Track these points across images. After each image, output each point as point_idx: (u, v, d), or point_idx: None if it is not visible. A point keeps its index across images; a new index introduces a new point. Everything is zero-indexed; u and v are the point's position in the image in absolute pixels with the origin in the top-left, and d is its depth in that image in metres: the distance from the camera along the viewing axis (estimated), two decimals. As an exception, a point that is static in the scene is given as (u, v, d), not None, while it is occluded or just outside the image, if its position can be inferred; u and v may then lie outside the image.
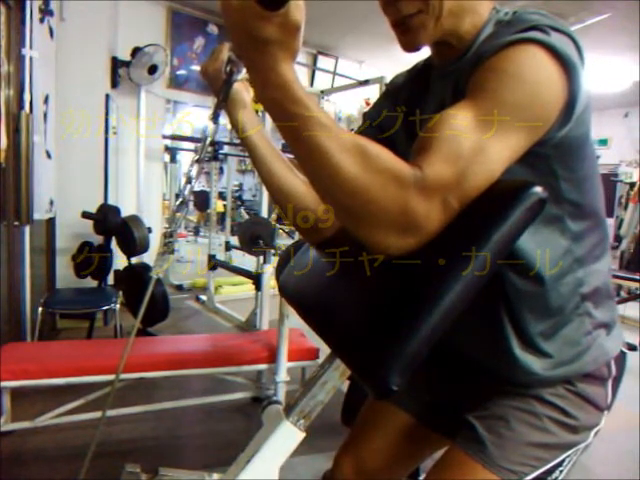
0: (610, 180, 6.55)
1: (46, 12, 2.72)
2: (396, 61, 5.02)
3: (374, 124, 0.87)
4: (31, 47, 2.38)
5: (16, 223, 2.38)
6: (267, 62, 0.51)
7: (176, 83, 4.18)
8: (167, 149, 5.35)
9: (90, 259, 3.05)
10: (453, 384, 0.89)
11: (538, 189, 0.53)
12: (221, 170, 6.67)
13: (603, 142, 7.55)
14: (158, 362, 1.91)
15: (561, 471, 0.76)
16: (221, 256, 4.52)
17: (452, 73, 0.69)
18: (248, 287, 3.68)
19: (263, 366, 2.09)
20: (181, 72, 4.19)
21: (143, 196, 3.87)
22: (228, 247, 4.57)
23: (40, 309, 2.52)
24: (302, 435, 0.77)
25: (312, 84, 5.08)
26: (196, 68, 4.19)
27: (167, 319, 3.00)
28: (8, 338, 2.33)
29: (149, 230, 3.02)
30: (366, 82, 3.83)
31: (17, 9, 2.34)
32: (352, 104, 5.42)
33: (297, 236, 3.47)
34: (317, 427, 0.86)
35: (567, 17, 3.79)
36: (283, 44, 0.50)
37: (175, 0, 4.02)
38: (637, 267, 4.47)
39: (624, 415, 2.38)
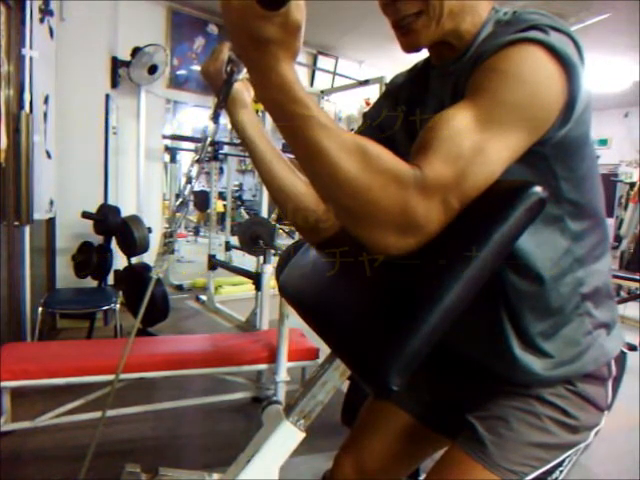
0: (610, 180, 6.56)
1: (46, 12, 2.72)
2: (396, 61, 5.02)
3: (374, 124, 0.87)
4: (31, 47, 2.38)
5: (16, 223, 2.38)
6: (268, 62, 0.51)
7: (176, 83, 4.18)
8: (167, 149, 5.35)
9: (90, 259, 3.05)
10: (453, 384, 0.89)
11: (538, 189, 0.53)
12: (221, 170, 6.67)
13: (603, 142, 7.55)
14: (158, 362, 1.91)
15: (561, 471, 0.76)
16: (221, 256, 4.52)
17: (452, 73, 0.69)
18: (248, 287, 3.68)
19: (263, 366, 2.08)
20: (181, 72, 4.19)
21: (143, 196, 3.87)
22: (228, 247, 4.57)
23: (40, 309, 2.52)
24: (302, 435, 0.77)
25: (312, 84, 5.08)
26: (196, 68, 4.19)
27: (167, 319, 3.00)
28: (8, 338, 2.33)
29: (149, 230, 3.02)
30: (366, 82, 3.83)
31: (17, 9, 2.34)
32: (352, 104, 5.42)
33: (297, 236, 3.47)
34: (317, 427, 0.86)
35: (567, 17, 3.78)
36: (284, 44, 0.50)
37: (175, 0, 4.02)
38: (637, 267, 4.47)
39: (624, 415, 2.38)
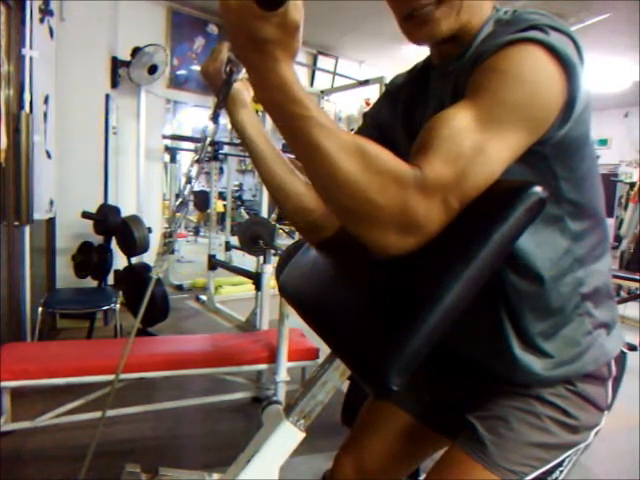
0: (610, 180, 6.56)
1: (46, 12, 2.72)
2: (396, 61, 5.05)
3: (374, 124, 0.87)
4: (31, 47, 2.38)
5: (16, 223, 2.38)
6: (266, 63, 0.51)
7: (176, 83, 4.18)
8: (167, 149, 5.35)
9: (90, 259, 3.05)
10: (453, 384, 0.89)
11: (538, 189, 0.52)
12: (221, 170, 6.67)
13: (603, 142, 7.55)
14: (158, 362, 1.91)
15: (561, 471, 0.76)
16: (221, 256, 4.52)
17: (451, 73, 0.69)
18: (248, 287, 3.68)
19: (263, 366, 2.08)
20: (181, 72, 4.19)
21: (143, 196, 3.87)
22: (228, 247, 4.58)
23: (40, 309, 2.52)
24: (302, 435, 0.77)
25: (312, 84, 5.08)
26: (196, 68, 4.19)
27: (167, 319, 3.00)
28: (8, 338, 2.33)
29: (149, 230, 3.02)
30: (366, 82, 3.83)
31: (17, 9, 2.34)
32: (352, 104, 5.42)
33: (297, 236, 3.47)
34: (317, 427, 0.86)
35: (567, 17, 3.78)
36: (282, 44, 0.50)
37: (175, 0, 4.02)
38: (637, 267, 4.47)
39: (624, 415, 2.38)
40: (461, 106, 0.56)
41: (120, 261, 3.21)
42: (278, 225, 3.51)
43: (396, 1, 0.67)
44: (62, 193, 3.18)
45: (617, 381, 0.78)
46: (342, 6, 3.87)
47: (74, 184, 3.42)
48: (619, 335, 0.79)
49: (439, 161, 0.52)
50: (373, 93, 4.49)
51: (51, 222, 3.16)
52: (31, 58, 2.38)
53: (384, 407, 0.94)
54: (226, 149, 4.77)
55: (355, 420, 0.99)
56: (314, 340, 2.11)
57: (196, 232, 8.73)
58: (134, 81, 3.66)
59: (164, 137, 4.44)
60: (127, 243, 2.92)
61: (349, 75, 4.97)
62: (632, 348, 2.89)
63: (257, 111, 0.72)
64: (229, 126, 0.85)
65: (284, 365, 2.03)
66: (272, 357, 2.04)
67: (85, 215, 3.03)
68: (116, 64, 3.66)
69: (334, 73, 5.16)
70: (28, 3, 2.36)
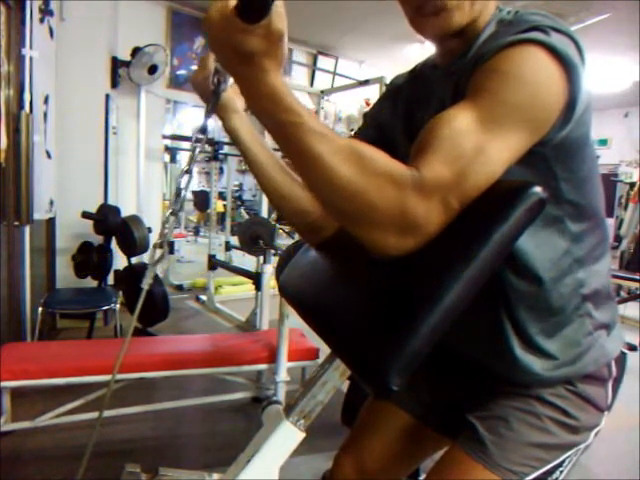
0: (610, 180, 6.56)
1: (46, 12, 2.72)
2: (396, 61, 5.05)
3: (374, 125, 0.87)
4: (31, 47, 2.38)
5: (16, 223, 2.38)
6: (254, 74, 0.51)
7: (176, 83, 4.18)
8: (167, 149, 5.36)
9: (90, 259, 3.05)
10: (453, 384, 0.89)
11: (538, 189, 0.53)
12: (221, 170, 6.68)
13: (603, 142, 7.55)
14: (158, 362, 1.91)
15: (561, 471, 0.76)
16: (221, 256, 4.52)
17: (453, 73, 0.68)
18: (248, 287, 3.68)
19: (263, 366, 2.08)
20: (181, 72, 4.19)
21: (143, 196, 3.87)
22: (228, 247, 4.57)
23: (40, 309, 2.52)
24: (302, 435, 0.77)
25: (312, 84, 5.08)
26: (196, 68, 4.18)
27: (167, 319, 3.00)
28: (8, 338, 2.32)
29: (149, 230, 3.02)
30: (366, 82, 3.83)
31: (17, 9, 2.34)
32: (352, 104, 5.42)
33: (297, 236, 3.47)
34: (317, 427, 0.86)
35: (567, 17, 3.78)
36: (268, 54, 0.50)
37: (175, 0, 4.02)
38: (637, 267, 4.46)
39: (624, 415, 2.38)
40: (462, 107, 0.56)
41: (120, 261, 3.21)
42: (278, 225, 3.51)
43: None
44: (62, 193, 3.18)
45: (617, 382, 0.78)
46: (342, 6, 3.87)
47: (74, 184, 3.42)
48: (619, 336, 0.79)
49: (438, 161, 0.52)
50: (373, 93, 4.49)
51: (51, 222, 3.16)
52: (31, 58, 2.38)
53: (384, 407, 0.94)
54: (226, 149, 4.77)
55: (355, 420, 0.99)
56: (314, 340, 2.11)
57: (196, 232, 8.73)
58: (134, 81, 3.66)
59: (164, 137, 4.44)
60: (127, 243, 2.92)
61: (349, 75, 4.98)
62: (632, 348, 2.89)
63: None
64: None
65: (284, 365, 2.03)
66: (272, 357, 2.04)
67: (85, 215, 3.03)
68: (116, 64, 3.66)
69: (334, 73, 5.16)
70: (28, 3, 2.36)
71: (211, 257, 4.03)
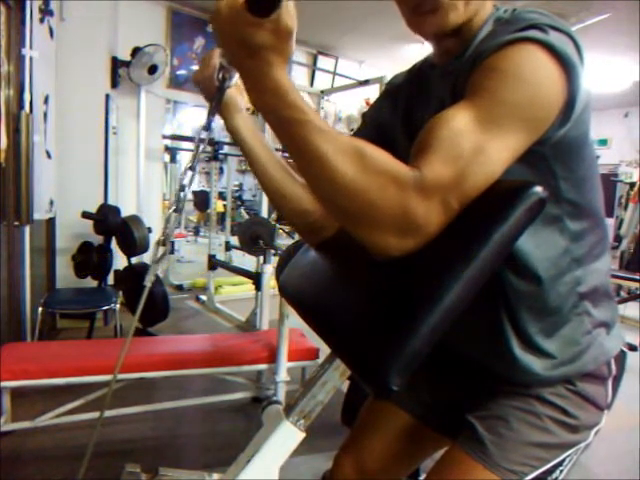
0: (610, 180, 6.56)
1: (46, 12, 2.72)
2: (396, 61, 5.05)
3: (374, 124, 0.86)
4: (31, 47, 2.38)
5: (16, 223, 2.38)
6: (261, 68, 0.51)
7: (176, 83, 4.18)
8: (167, 149, 5.35)
9: (90, 259, 3.05)
10: (453, 384, 0.89)
11: (538, 189, 0.52)
12: (221, 170, 6.68)
13: (603, 142, 7.55)
14: (158, 362, 1.91)
15: (561, 471, 0.76)
16: (221, 256, 4.52)
17: (451, 72, 0.68)
18: (248, 287, 3.68)
19: (263, 366, 2.08)
20: (181, 72, 4.19)
21: (143, 196, 3.87)
22: (228, 247, 4.57)
23: (40, 309, 2.52)
24: (302, 435, 0.77)
25: (312, 84, 5.08)
26: (196, 68, 4.19)
27: (167, 319, 3.00)
28: (8, 338, 2.32)
29: (149, 230, 3.02)
30: (366, 82, 3.83)
31: (17, 9, 2.34)
32: (352, 104, 5.42)
33: (297, 236, 3.47)
34: (317, 427, 0.86)
35: (567, 17, 3.78)
36: (276, 49, 0.50)
37: (175, 0, 4.02)
38: (637, 267, 4.46)
39: (624, 415, 2.38)
40: (461, 107, 0.56)
41: (120, 261, 3.21)
42: (278, 225, 3.51)
43: None
44: (62, 193, 3.18)
45: (617, 380, 0.78)
46: (342, 6, 3.87)
47: (74, 184, 3.42)
48: (619, 334, 0.79)
49: (438, 162, 0.52)
50: (373, 93, 4.49)
51: (51, 222, 3.16)
52: (31, 58, 2.38)
53: (384, 407, 0.94)
54: (226, 149, 4.77)
55: (355, 420, 0.99)
56: (314, 340, 2.11)
57: (196, 232, 8.73)
58: (134, 81, 3.66)
59: (164, 137, 4.44)
60: (127, 243, 2.92)
61: (349, 75, 4.98)
62: (632, 348, 2.89)
63: (253, 112, 0.72)
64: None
65: (284, 365, 2.03)
66: (272, 357, 2.04)
67: (85, 215, 3.03)
68: (116, 64, 3.66)
69: (334, 73, 5.16)
70: (28, 3, 2.36)
71: (211, 257, 4.03)
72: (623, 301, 3.68)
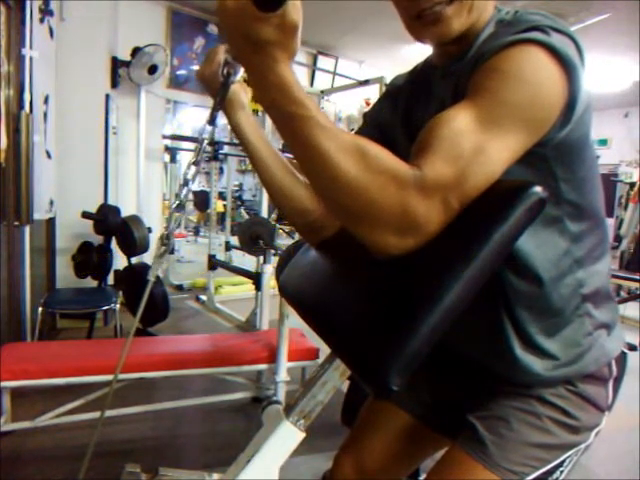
0: (610, 180, 6.56)
1: (46, 12, 2.72)
2: (396, 61, 5.05)
3: (374, 124, 0.87)
4: (31, 47, 2.38)
5: (16, 223, 2.38)
6: (266, 63, 0.51)
7: (176, 83, 4.18)
8: (167, 149, 5.35)
9: (90, 259, 3.05)
10: (453, 384, 0.89)
11: (538, 189, 0.52)
12: (221, 170, 6.68)
13: (603, 142, 7.55)
14: (158, 362, 1.91)
15: (562, 471, 0.75)
16: (221, 256, 4.52)
17: (453, 73, 0.68)
18: (248, 287, 3.68)
19: (263, 366, 2.08)
20: (181, 72, 4.19)
21: (143, 196, 3.87)
22: (228, 247, 4.57)
23: (40, 309, 2.52)
24: (302, 435, 0.77)
25: (312, 84, 5.08)
26: (196, 68, 4.19)
27: (167, 319, 3.00)
28: (8, 338, 2.32)
29: (149, 230, 3.02)
30: (366, 82, 3.83)
31: (17, 9, 2.34)
32: (352, 104, 5.42)
33: (297, 236, 3.47)
34: (317, 427, 0.86)
35: (567, 17, 3.78)
36: (281, 45, 0.50)
37: (175, 0, 4.02)
38: (637, 267, 4.46)
39: (624, 415, 2.38)
40: (462, 107, 0.56)
41: (120, 261, 3.21)
42: (278, 225, 3.51)
43: (404, 0, 0.66)
44: (62, 193, 3.18)
45: (618, 381, 0.78)
46: (342, 6, 3.87)
47: (74, 184, 3.41)
48: (620, 335, 0.79)
49: (439, 161, 0.52)
50: (373, 93, 4.49)
51: (51, 222, 3.16)
52: (31, 58, 2.38)
53: (384, 407, 0.94)
54: (226, 149, 4.77)
55: (355, 420, 0.99)
56: (314, 340, 2.11)
57: (196, 232, 8.73)
58: (134, 81, 3.66)
59: (164, 137, 4.44)
60: (127, 243, 2.92)
61: (349, 75, 4.98)
62: (632, 348, 2.89)
63: (256, 112, 0.72)
64: (229, 126, 0.85)
65: (284, 365, 2.03)
66: (272, 357, 2.04)
67: (85, 215, 3.03)
68: (116, 64, 3.66)
69: (334, 73, 5.16)
70: (28, 3, 2.35)
71: (211, 257, 4.03)
72: (623, 301, 3.67)
